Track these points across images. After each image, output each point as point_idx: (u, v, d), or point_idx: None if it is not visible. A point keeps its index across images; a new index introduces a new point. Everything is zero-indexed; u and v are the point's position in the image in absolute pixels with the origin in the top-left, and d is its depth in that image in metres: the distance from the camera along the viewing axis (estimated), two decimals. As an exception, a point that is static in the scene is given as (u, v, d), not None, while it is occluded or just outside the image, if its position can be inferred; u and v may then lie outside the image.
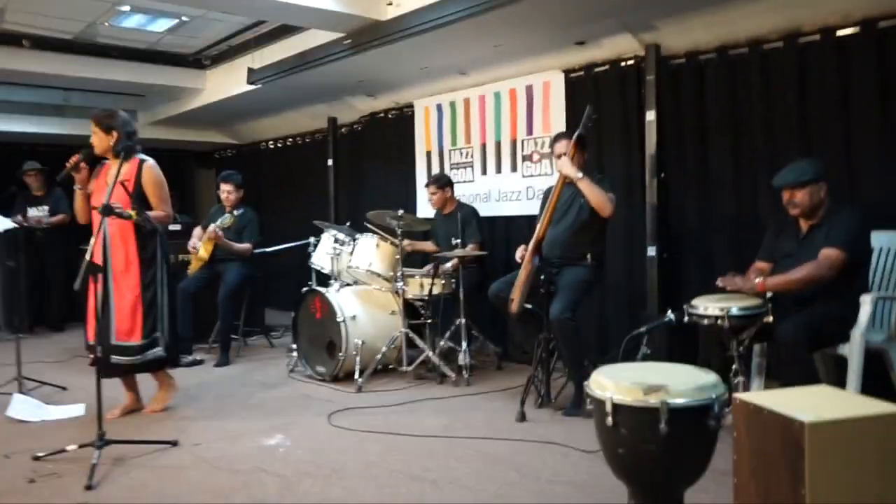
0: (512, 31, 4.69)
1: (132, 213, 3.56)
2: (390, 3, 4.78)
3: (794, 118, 4.15)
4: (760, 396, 2.06)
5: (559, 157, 3.96)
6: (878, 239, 3.58)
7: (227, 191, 5.63)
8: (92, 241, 3.37)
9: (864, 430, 1.89)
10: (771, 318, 3.09)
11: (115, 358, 3.66)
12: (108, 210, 3.35)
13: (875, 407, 1.99)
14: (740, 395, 2.10)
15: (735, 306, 3.11)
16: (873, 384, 3.52)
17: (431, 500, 2.68)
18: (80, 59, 6.21)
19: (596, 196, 3.81)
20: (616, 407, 1.76)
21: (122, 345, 3.67)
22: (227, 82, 6.70)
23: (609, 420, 1.77)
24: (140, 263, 3.70)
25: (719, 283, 3.36)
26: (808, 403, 1.99)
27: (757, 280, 3.26)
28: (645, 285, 4.61)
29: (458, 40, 4.86)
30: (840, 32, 3.96)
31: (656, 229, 4.49)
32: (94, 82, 6.62)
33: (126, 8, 5.31)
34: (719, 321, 3.09)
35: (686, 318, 3.22)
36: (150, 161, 3.84)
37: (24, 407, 3.98)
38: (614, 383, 1.79)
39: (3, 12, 5.30)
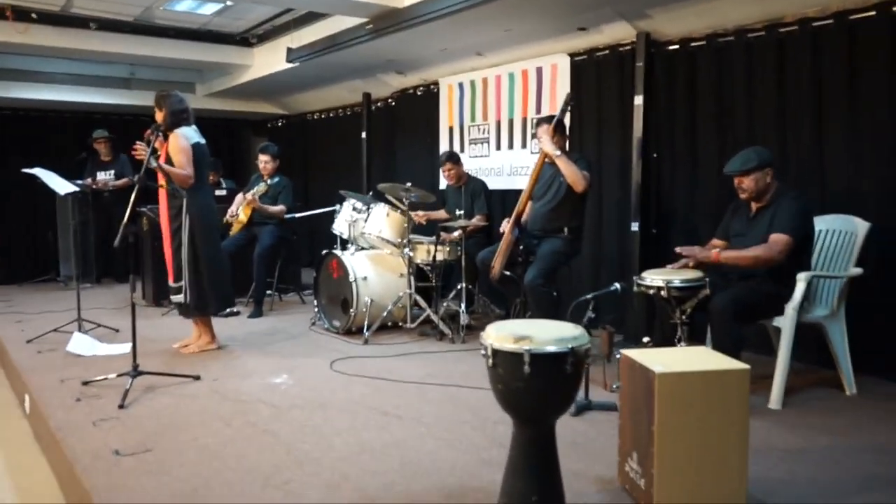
0: (519, 17, 5.04)
1: (162, 184, 4.18)
2: (406, -8, 5.22)
3: (773, 104, 4.41)
4: (638, 353, 2.48)
5: (540, 139, 4.35)
6: (828, 222, 3.86)
7: (264, 160, 6.23)
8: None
9: (704, 381, 2.29)
10: (708, 292, 3.44)
11: (172, 297, 4.50)
12: (145, 180, 3.96)
13: (720, 364, 2.38)
14: (623, 351, 2.54)
15: (677, 279, 3.47)
16: (818, 355, 3.86)
17: (392, 430, 3.19)
18: (140, 39, 6.89)
19: (571, 172, 4.21)
20: (495, 352, 2.21)
21: (171, 286, 4.44)
22: (272, 59, 7.26)
23: (490, 362, 2.22)
24: (169, 219, 4.38)
25: (678, 250, 3.71)
26: (672, 360, 2.40)
27: (713, 252, 3.61)
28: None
29: (471, 25, 5.25)
30: (816, 23, 4.18)
31: (640, 207, 4.83)
32: (154, 59, 7.30)
33: (175, -7, 5.93)
34: (662, 292, 3.47)
35: (635, 288, 3.60)
36: (178, 131, 4.36)
37: (81, 343, 4.71)
38: (496, 332, 2.23)
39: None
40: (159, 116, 4.40)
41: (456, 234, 5.34)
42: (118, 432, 3.17)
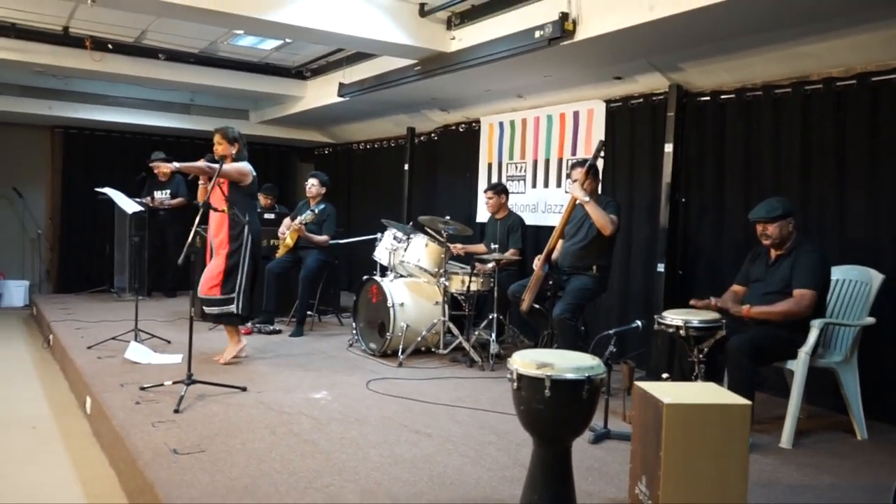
0: (559, 65, 5.36)
1: (224, 209, 4.59)
2: (453, 38, 5.57)
3: (798, 156, 4.64)
4: (651, 385, 2.72)
5: (574, 181, 4.64)
6: (844, 271, 4.05)
7: (311, 184, 6.62)
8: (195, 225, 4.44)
9: (709, 413, 2.52)
10: (724, 333, 3.66)
11: (205, 308, 4.83)
12: (206, 206, 4.37)
13: (724, 399, 2.61)
14: (637, 383, 2.78)
15: (695, 319, 3.70)
16: (832, 400, 4.04)
17: (422, 446, 3.47)
18: (203, 70, 7.36)
19: (599, 217, 4.49)
20: (519, 376, 2.48)
21: (205, 297, 4.79)
22: (323, 92, 7.69)
23: (515, 385, 2.49)
24: (229, 240, 4.79)
25: (714, 302, 3.90)
26: (681, 393, 2.63)
27: (744, 308, 3.82)
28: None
29: (513, 70, 5.58)
30: (840, 83, 4.42)
31: (667, 248, 5.06)
32: (215, 89, 7.80)
33: (240, 32, 6.38)
34: (681, 331, 3.70)
35: (656, 326, 3.84)
36: (239, 162, 4.90)
37: (137, 352, 5.09)
38: (521, 359, 2.51)
39: (145, 32, 6.49)
40: (228, 149, 4.84)
41: (489, 265, 5.62)
42: (175, 433, 3.50)
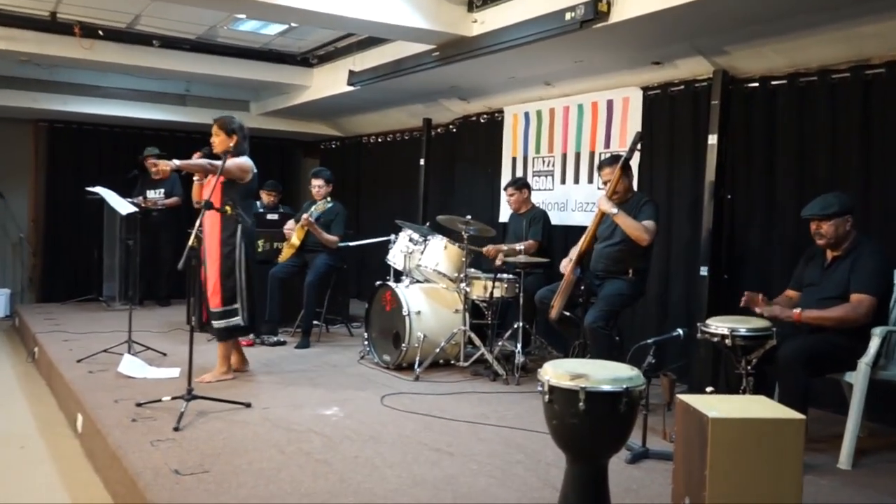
0: (591, 49, 5.42)
1: (227, 209, 4.67)
2: (475, 21, 5.65)
3: (857, 148, 4.65)
4: (694, 398, 2.78)
5: (605, 183, 4.70)
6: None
7: (317, 185, 6.72)
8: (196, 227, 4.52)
9: (759, 429, 2.57)
10: (775, 342, 3.69)
11: (214, 322, 4.90)
12: (209, 205, 4.46)
13: (776, 413, 2.66)
14: (680, 396, 2.83)
15: (743, 327, 3.73)
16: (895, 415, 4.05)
17: (443, 466, 3.53)
18: (201, 57, 7.50)
19: (631, 230, 4.56)
20: (551, 388, 2.54)
21: (215, 311, 4.86)
22: (331, 81, 7.79)
23: (547, 398, 2.56)
24: (220, 242, 4.82)
25: (758, 310, 3.94)
26: (728, 406, 2.69)
27: (795, 311, 3.85)
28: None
29: (541, 55, 5.64)
30: (905, 67, 4.44)
31: (710, 251, 5.09)
32: (213, 77, 7.93)
33: (242, 16, 6.50)
34: (726, 340, 3.74)
35: (699, 335, 3.88)
36: (240, 157, 4.92)
37: (131, 365, 5.20)
38: (553, 370, 2.57)
39: (139, 17, 6.63)
40: (226, 142, 4.90)
41: (521, 257, 5.54)
42: (176, 453, 3.59)
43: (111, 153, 9.58)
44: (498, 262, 5.86)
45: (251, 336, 6.31)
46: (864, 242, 3.89)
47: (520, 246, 5.49)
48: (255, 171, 5.03)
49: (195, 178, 5.10)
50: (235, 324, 4.88)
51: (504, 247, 6.15)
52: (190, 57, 7.46)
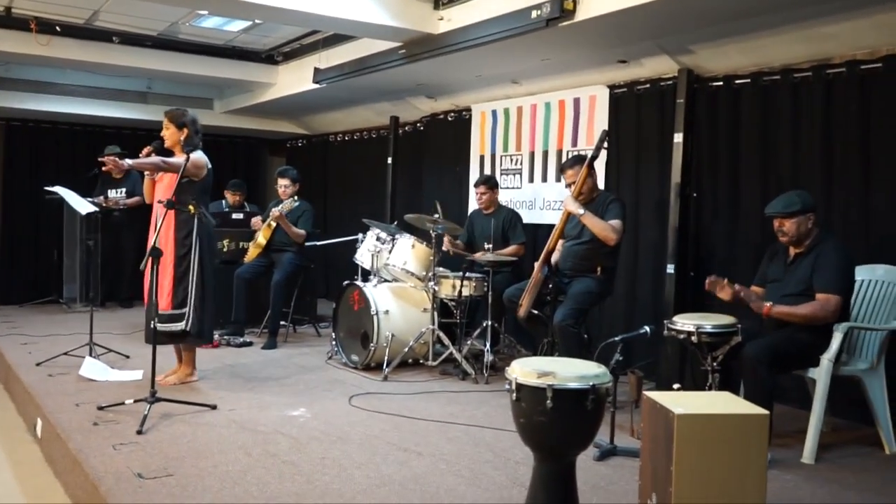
0: (558, 47, 5.46)
1: (191, 207, 4.60)
2: (441, 19, 5.66)
3: (819, 146, 4.75)
4: (660, 395, 2.81)
5: (569, 185, 4.74)
6: (870, 271, 4.17)
7: (283, 185, 6.68)
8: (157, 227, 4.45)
9: (723, 424, 2.61)
10: (740, 339, 3.76)
11: (160, 326, 4.63)
12: (170, 204, 4.40)
13: (740, 409, 2.71)
14: (646, 393, 2.87)
15: (708, 324, 3.80)
16: (858, 411, 4.15)
17: (412, 466, 3.54)
18: (162, 54, 7.42)
19: (599, 229, 4.62)
20: (519, 386, 2.56)
21: (166, 314, 4.69)
22: (297, 78, 7.74)
23: (514, 396, 2.58)
24: (175, 243, 4.70)
25: (722, 294, 3.97)
26: (694, 403, 2.73)
27: (766, 305, 3.91)
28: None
29: (507, 54, 5.67)
30: (864, 66, 4.54)
31: (676, 249, 5.16)
32: (176, 75, 7.84)
33: (205, 12, 6.43)
34: (692, 337, 3.79)
35: (666, 332, 3.93)
36: (199, 154, 4.78)
37: (93, 368, 5.13)
38: (520, 368, 2.59)
39: (98, 13, 6.53)
40: (176, 135, 4.81)
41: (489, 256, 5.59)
42: (139, 456, 3.55)
43: (70, 152, 9.40)
44: (447, 248, 5.88)
45: (217, 337, 6.26)
46: (826, 240, 3.97)
47: (506, 251, 5.64)
48: (210, 166, 4.90)
49: (146, 175, 4.96)
50: (180, 329, 4.74)
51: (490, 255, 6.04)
52: (151, 54, 7.37)
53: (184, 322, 4.73)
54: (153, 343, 4.32)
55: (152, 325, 4.42)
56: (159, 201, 4.64)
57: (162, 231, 4.64)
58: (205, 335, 4.96)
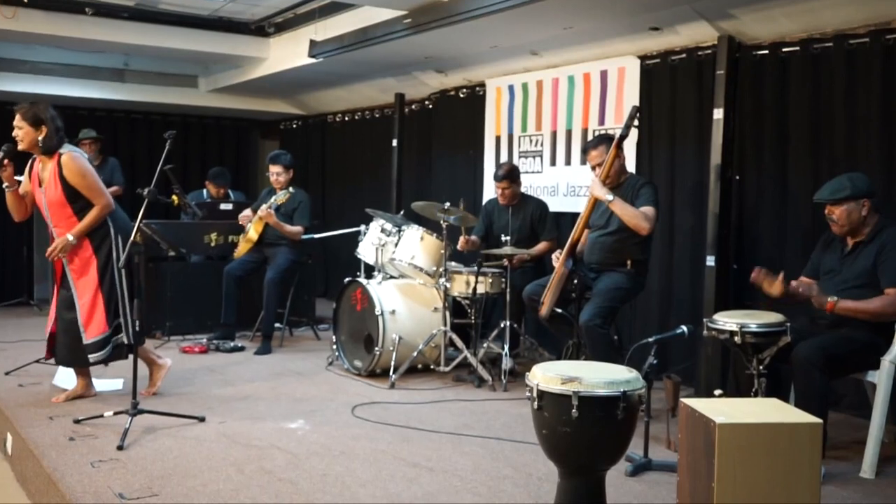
0: (582, 13, 5.44)
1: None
2: (452, -17, 5.65)
3: (878, 121, 4.72)
4: (699, 402, 2.81)
5: (594, 168, 4.72)
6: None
7: (276, 172, 6.69)
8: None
9: (770, 434, 2.61)
10: (789, 339, 3.74)
11: (92, 356, 4.64)
12: (153, 194, 4.41)
13: (789, 417, 2.70)
14: (683, 400, 2.87)
15: (753, 323, 3.78)
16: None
17: (422, 483, 3.55)
18: (140, 27, 7.44)
19: (629, 218, 4.60)
20: (541, 393, 2.57)
21: (93, 342, 4.62)
22: (291, 52, 7.75)
23: (535, 404, 2.58)
24: (93, 251, 4.63)
25: (793, 284, 3.94)
26: (737, 411, 2.72)
27: (829, 300, 3.86)
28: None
29: (526, 21, 5.65)
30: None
31: (717, 238, 5.14)
32: (155, 50, 7.87)
33: (187, -23, 6.46)
34: (735, 337, 3.78)
35: (705, 332, 3.92)
36: (67, 152, 4.56)
37: (68, 377, 5.16)
38: (542, 373, 2.60)
39: (68, -19, 6.57)
40: (32, 135, 4.51)
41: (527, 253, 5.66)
42: (120, 474, 3.59)
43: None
44: (463, 248, 5.84)
45: (204, 341, 6.30)
46: (890, 227, 3.93)
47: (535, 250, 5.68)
48: (87, 155, 4.84)
49: (4, 185, 4.68)
50: (119, 342, 4.69)
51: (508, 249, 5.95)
52: (128, 26, 7.39)
53: (123, 335, 4.68)
54: (134, 353, 4.37)
55: (124, 341, 4.56)
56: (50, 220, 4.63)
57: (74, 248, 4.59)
58: (141, 339, 4.84)
